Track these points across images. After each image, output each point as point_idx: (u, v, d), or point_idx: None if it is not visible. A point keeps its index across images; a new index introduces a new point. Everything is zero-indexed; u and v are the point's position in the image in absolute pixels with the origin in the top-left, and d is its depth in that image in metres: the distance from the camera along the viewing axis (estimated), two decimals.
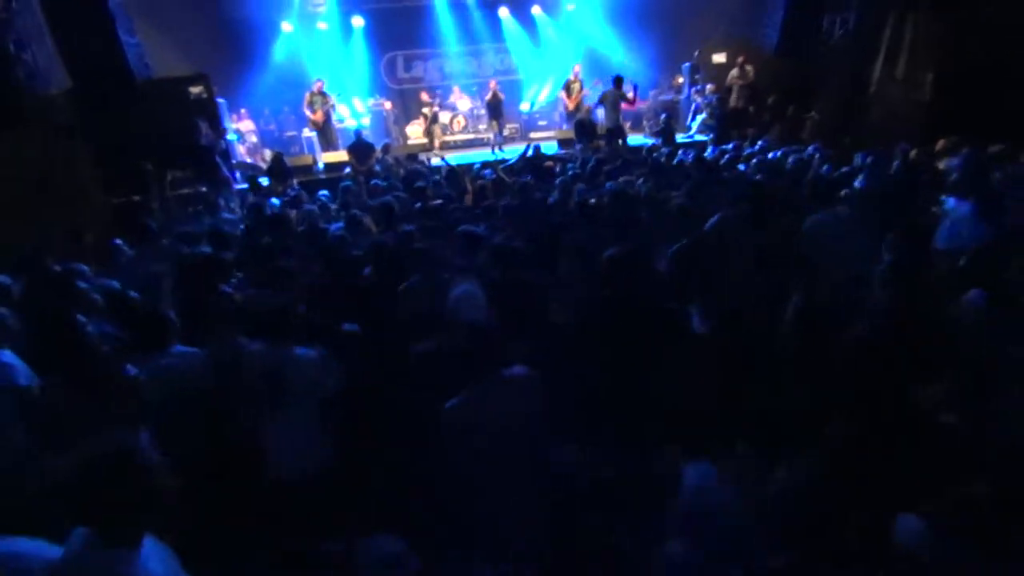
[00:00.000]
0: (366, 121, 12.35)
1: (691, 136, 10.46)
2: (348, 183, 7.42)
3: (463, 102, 12.92)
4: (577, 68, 11.36)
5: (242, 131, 11.51)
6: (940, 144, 6.33)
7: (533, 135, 12.78)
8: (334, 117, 10.94)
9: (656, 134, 10.11)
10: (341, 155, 9.71)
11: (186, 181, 8.14)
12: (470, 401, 2.02)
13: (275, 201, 7.01)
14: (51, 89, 6.99)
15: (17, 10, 6.05)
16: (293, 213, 6.04)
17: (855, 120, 8.90)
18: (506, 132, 12.33)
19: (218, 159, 8.42)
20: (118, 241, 5.10)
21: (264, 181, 8.58)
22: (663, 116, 10.49)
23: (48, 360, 2.73)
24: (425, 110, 11.75)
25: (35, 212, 6.48)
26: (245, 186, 8.54)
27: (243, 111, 11.88)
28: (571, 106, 10.96)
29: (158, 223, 5.89)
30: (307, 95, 10.34)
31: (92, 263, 4.75)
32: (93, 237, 5.78)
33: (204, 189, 7.99)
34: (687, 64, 11.26)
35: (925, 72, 8.32)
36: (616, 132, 9.28)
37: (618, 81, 9.25)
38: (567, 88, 11.16)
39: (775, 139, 8.49)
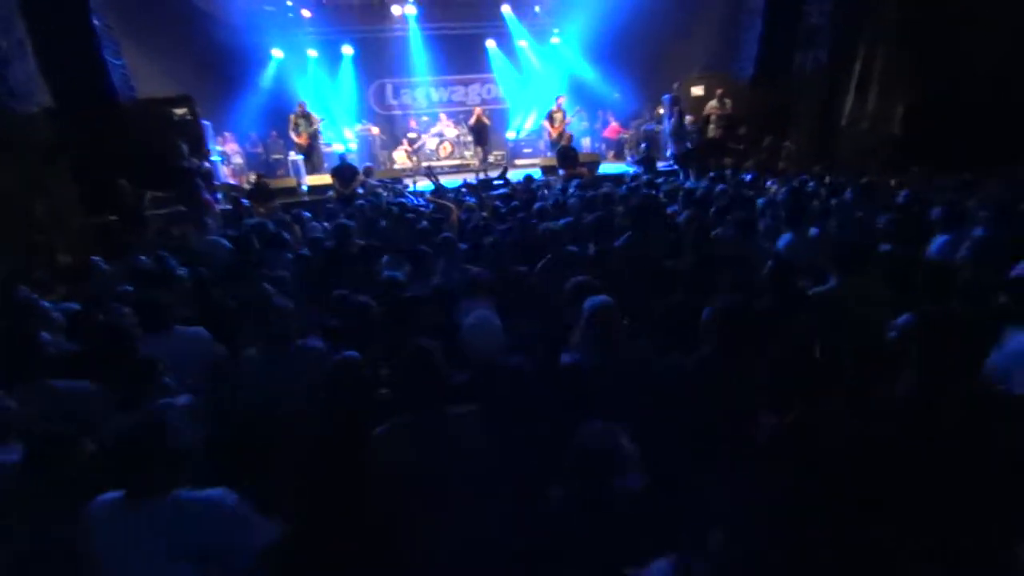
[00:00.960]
0: (353, 146, 12.47)
1: (672, 165, 10.66)
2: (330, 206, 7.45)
3: (449, 129, 13.12)
4: (561, 99, 11.63)
5: (227, 153, 11.55)
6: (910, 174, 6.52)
7: (518, 162, 12.98)
8: (321, 140, 11.03)
9: (638, 162, 10.31)
10: (325, 178, 9.75)
11: (165, 201, 8.09)
12: (402, 432, 1.91)
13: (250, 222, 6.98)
14: (32, 108, 6.99)
15: None
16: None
17: (828, 151, 9.15)
18: (492, 159, 12.52)
19: (199, 181, 8.40)
20: (96, 258, 5.06)
21: (246, 202, 8.56)
22: (644, 146, 10.71)
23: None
24: (411, 134, 11.94)
25: (10, 233, 6.40)
26: (228, 207, 8.53)
27: (227, 134, 11.94)
28: (554, 135, 11.18)
29: (135, 242, 5.83)
30: (291, 117, 10.43)
31: (67, 283, 4.70)
32: (71, 257, 5.71)
33: (183, 209, 7.95)
34: (667, 96, 11.55)
35: (895, 105, 8.61)
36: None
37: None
38: (550, 118, 11.40)
39: (751, 168, 8.67)
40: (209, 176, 8.97)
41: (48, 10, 7.05)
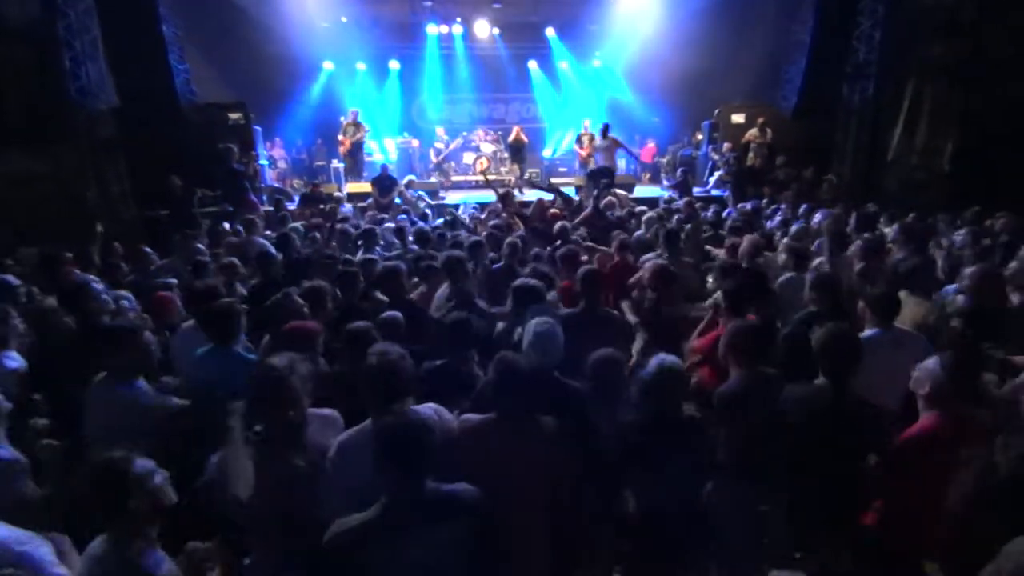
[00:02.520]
0: (393, 156, 12.79)
1: (708, 190, 10.60)
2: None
3: (487, 145, 13.33)
4: (587, 122, 11.81)
5: (274, 158, 11.99)
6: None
7: (553, 180, 13.07)
8: (364, 149, 11.35)
9: (673, 187, 10.27)
10: (365, 186, 10.02)
11: (214, 200, 8.42)
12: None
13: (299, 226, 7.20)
14: (100, 105, 7.44)
15: (76, 29, 6.49)
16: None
17: (872, 185, 8.97)
18: (528, 176, 12.65)
19: (246, 183, 8.73)
20: (148, 249, 5.30)
21: (291, 206, 8.84)
22: (681, 170, 10.68)
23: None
24: (438, 144, 12.03)
25: (66, 220, 6.77)
26: (270, 208, 8.85)
27: (277, 140, 12.42)
28: (584, 156, 11.30)
29: (183, 237, 6.07)
30: (343, 123, 10.83)
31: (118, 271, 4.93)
32: (121, 247, 5.99)
33: (231, 209, 8.26)
34: (707, 122, 11.54)
35: (944, 142, 8.41)
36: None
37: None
38: (579, 141, 11.53)
39: (790, 200, 8.54)
40: (255, 178, 9.33)
41: (121, 15, 7.53)
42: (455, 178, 12.23)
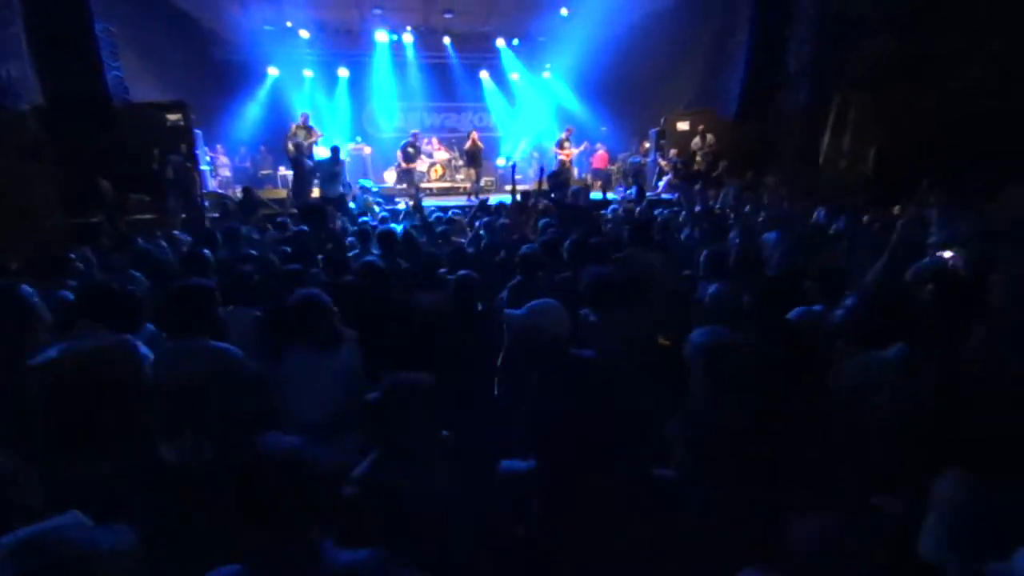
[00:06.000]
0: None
1: (658, 194, 10.95)
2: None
3: (440, 153, 13.30)
4: (570, 129, 12.07)
5: (216, 166, 11.48)
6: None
7: (507, 188, 13.16)
8: (315, 154, 11.03)
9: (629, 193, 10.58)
10: (315, 191, 9.76)
11: (147, 206, 7.96)
12: None
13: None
14: (22, 106, 6.91)
15: None
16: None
17: (807, 187, 9.53)
18: (483, 183, 12.69)
19: (172, 188, 8.23)
20: (72, 255, 4.92)
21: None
22: (633, 176, 11.03)
23: None
24: (410, 148, 11.62)
25: None
26: (215, 215, 8.47)
27: (219, 147, 11.91)
28: (566, 162, 11.50)
29: (111, 244, 5.70)
30: (292, 126, 10.44)
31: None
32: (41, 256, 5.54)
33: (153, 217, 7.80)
34: (654, 130, 11.98)
35: (868, 147, 9.08)
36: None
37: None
38: (561, 145, 11.72)
39: (734, 199, 8.96)
40: (184, 184, 8.77)
41: (48, 9, 7.05)
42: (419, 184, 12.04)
